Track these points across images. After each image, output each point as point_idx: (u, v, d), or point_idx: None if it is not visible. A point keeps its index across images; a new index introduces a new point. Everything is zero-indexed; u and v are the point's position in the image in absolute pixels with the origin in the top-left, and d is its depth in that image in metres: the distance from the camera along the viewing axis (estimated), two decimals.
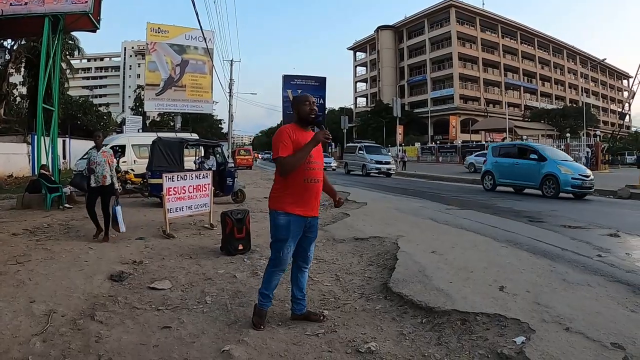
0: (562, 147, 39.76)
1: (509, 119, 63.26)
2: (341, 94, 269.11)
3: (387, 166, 33.25)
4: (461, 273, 5.85)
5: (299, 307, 4.63)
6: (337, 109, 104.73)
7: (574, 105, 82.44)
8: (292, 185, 4.22)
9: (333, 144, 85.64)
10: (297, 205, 4.25)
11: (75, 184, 11.09)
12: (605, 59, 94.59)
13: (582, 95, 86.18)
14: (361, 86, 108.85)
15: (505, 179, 18.69)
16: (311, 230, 4.48)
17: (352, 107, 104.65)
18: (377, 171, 32.95)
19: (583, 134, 52.62)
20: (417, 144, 71.38)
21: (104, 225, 8.88)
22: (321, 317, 4.64)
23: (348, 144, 44.18)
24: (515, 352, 3.61)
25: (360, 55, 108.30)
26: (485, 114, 75.96)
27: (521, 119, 76.10)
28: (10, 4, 13.87)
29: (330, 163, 46.15)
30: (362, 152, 34.54)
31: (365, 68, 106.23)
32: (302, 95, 4.40)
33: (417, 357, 3.79)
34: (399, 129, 51.02)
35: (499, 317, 4.28)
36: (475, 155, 37.87)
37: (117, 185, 9.22)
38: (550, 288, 5.18)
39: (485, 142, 59.22)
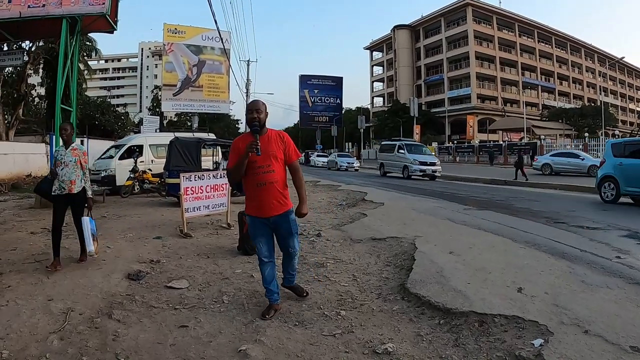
0: (581, 147, 39.41)
1: (526, 118, 62.82)
2: (358, 94, 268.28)
3: (433, 167, 28.58)
4: (479, 274, 5.81)
5: (287, 281, 5.31)
6: (354, 108, 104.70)
7: (592, 104, 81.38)
8: (248, 190, 4.72)
9: (349, 143, 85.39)
10: (254, 208, 4.72)
11: (40, 191, 7.55)
12: (623, 57, 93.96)
13: (600, 94, 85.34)
14: (378, 86, 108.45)
15: (637, 187, 14.02)
16: (280, 228, 4.83)
17: (369, 106, 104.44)
18: (421, 173, 28.40)
19: (601, 134, 52.21)
20: (435, 144, 70.90)
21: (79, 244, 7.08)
22: (304, 294, 5.35)
23: (384, 142, 38.57)
24: (534, 355, 3.58)
25: (377, 54, 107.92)
26: (503, 113, 75.41)
27: (539, 118, 75.40)
28: (29, 6, 14.01)
29: (353, 164, 44.98)
30: (402, 151, 30.03)
31: (382, 67, 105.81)
32: (250, 103, 4.80)
33: (434, 358, 3.79)
34: (416, 129, 50.92)
35: (517, 319, 4.24)
36: (551, 155, 32.65)
37: (90, 193, 7.01)
38: (569, 290, 5.13)
39: (503, 142, 58.77)
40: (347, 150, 79.53)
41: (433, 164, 28.77)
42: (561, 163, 30.31)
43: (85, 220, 6.87)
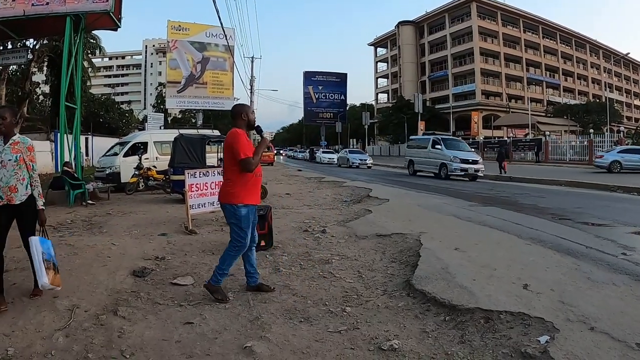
0: (586, 143, 39.26)
1: (531, 114, 62.63)
2: (362, 90, 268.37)
3: (475, 166, 24.35)
4: (484, 271, 5.80)
5: (253, 280, 5.46)
6: (358, 105, 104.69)
7: (597, 100, 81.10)
8: (247, 180, 5.02)
9: (354, 139, 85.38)
10: (252, 197, 5.10)
11: None
12: (628, 53, 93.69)
13: (605, 90, 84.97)
14: (382, 82, 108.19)
15: None
16: (255, 215, 5.30)
17: (374, 103, 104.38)
18: (462, 173, 24.25)
19: (606, 130, 51.96)
20: None
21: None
22: (272, 288, 5.52)
23: (413, 137, 34.78)
24: (540, 352, 3.57)
25: (381, 51, 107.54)
26: (508, 109, 75.28)
27: (544, 114, 75.09)
28: (32, 4, 14.08)
29: (366, 160, 42.57)
30: (439, 147, 25.79)
31: (386, 64, 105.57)
32: (246, 104, 5.50)
33: (440, 355, 3.78)
34: (421, 125, 50.73)
35: (523, 316, 4.23)
36: (619, 152, 29.25)
37: (40, 203, 5.14)
38: (575, 287, 5.12)
39: (507, 138, 58.53)
40: (351, 146, 79.31)
41: (475, 162, 24.62)
42: (632, 160, 28.12)
43: (34, 241, 4.98)
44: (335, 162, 49.11)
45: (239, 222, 5.03)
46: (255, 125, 5.29)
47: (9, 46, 25.15)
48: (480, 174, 24.52)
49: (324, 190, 17.93)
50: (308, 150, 70.07)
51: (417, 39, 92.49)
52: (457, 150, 25.45)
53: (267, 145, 5.34)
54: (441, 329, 4.27)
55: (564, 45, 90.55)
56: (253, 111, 5.28)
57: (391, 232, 8.53)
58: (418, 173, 28.39)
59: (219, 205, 5.30)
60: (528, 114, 62.20)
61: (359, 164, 41.46)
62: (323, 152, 58.75)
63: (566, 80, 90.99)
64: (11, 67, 34.23)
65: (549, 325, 4.01)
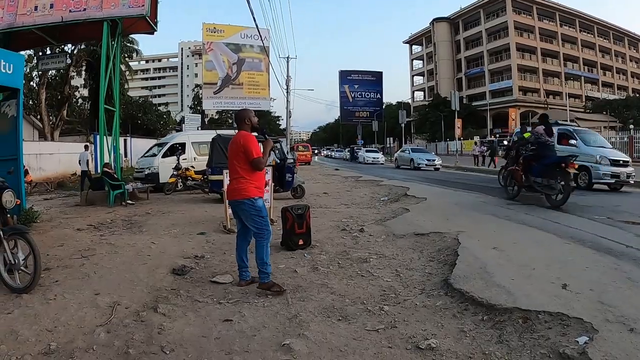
0: (626, 139, 38.40)
1: (570, 110, 61.43)
2: (398, 88, 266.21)
3: (627, 170, 16.36)
4: (523, 270, 5.75)
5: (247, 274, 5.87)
6: (394, 103, 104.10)
7: (637, 95, 79.13)
8: (259, 177, 5.61)
9: (390, 138, 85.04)
10: (262, 191, 5.68)
11: None
12: None
13: None
14: (418, 80, 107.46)
15: None
16: None
17: (410, 101, 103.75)
18: (612, 180, 16.07)
19: None
20: (476, 138, 69.75)
21: None
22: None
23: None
24: (578, 353, 3.54)
25: (417, 48, 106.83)
26: (545, 105, 73.85)
27: (582, 110, 73.58)
28: (70, 11, 14.37)
29: (434, 160, 34.67)
30: (573, 142, 16.58)
31: (421, 61, 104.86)
32: (248, 109, 5.92)
33: (477, 355, 3.78)
34: (458, 123, 50.06)
35: (562, 316, 4.19)
36: None
37: None
38: (615, 287, 5.03)
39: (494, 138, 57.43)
40: (389, 145, 78.59)
41: (626, 164, 16.75)
42: None
43: None
44: (381, 162, 47.83)
45: (260, 212, 5.52)
46: (264, 130, 5.98)
47: (48, 51, 25.69)
48: (631, 180, 16.59)
49: (362, 189, 17.95)
50: (348, 149, 69.40)
51: (453, 36, 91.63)
52: (599, 147, 17.49)
53: (271, 146, 5.92)
54: (479, 329, 4.27)
55: (601, 39, 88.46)
56: (255, 115, 5.83)
57: (429, 231, 8.52)
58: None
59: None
60: (566, 110, 60.99)
61: (425, 164, 34.15)
62: (367, 151, 56.22)
63: (605, 74, 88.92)
64: (50, 71, 34.97)
65: (587, 325, 3.97)
